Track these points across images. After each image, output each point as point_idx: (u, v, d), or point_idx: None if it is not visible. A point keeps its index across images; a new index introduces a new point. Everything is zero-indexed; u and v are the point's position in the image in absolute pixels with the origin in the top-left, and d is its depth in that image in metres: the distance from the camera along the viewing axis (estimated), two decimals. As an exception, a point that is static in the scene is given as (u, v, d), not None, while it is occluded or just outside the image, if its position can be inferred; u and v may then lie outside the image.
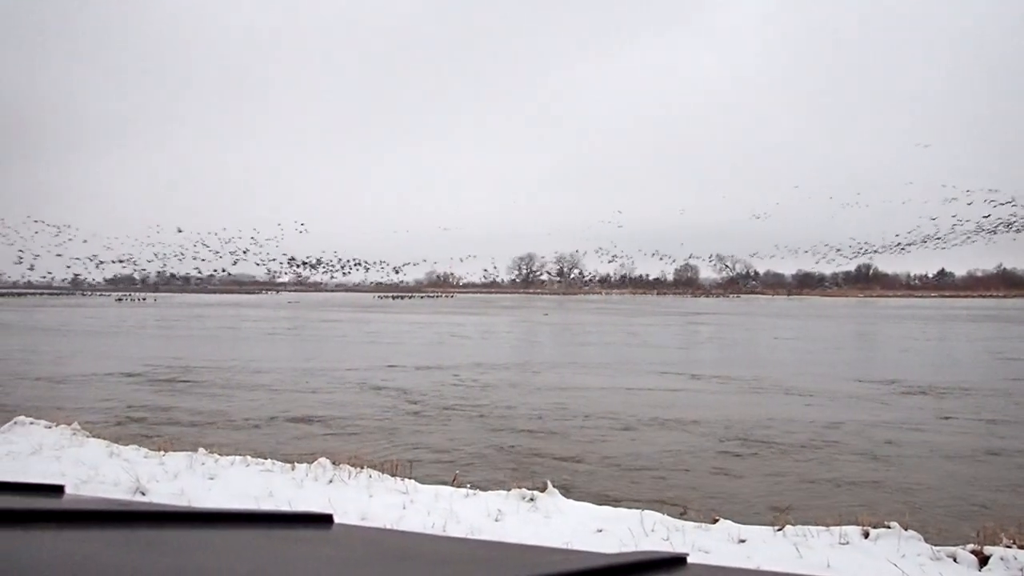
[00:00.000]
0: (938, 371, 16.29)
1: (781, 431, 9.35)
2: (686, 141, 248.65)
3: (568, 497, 5.29)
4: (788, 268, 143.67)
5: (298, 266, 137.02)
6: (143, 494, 5.06)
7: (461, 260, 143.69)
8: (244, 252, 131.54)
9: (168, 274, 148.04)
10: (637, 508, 4.88)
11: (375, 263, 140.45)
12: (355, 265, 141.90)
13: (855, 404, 11.60)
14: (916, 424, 9.94)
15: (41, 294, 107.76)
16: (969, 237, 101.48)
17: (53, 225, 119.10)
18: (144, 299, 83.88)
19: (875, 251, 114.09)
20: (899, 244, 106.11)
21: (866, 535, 4.21)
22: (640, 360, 18.67)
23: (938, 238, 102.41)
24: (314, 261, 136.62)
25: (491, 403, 11.49)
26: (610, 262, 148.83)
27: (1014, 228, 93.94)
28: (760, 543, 4.19)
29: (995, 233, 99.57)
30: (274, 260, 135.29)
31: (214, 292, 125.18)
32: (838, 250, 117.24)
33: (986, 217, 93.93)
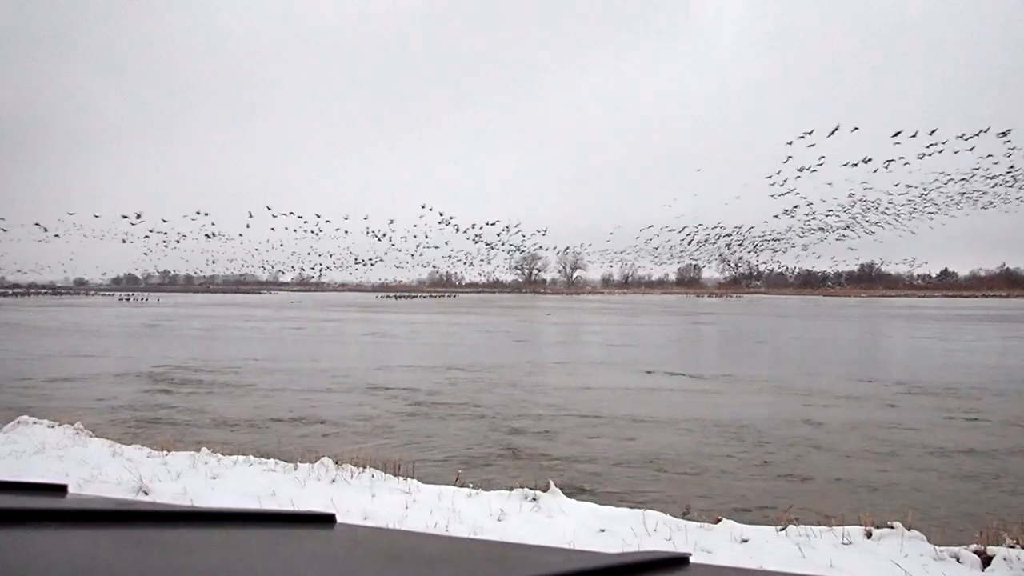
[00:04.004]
0: (948, 372, 16.23)
1: (785, 430, 9.34)
2: (684, 141, 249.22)
3: (571, 497, 5.28)
4: (790, 267, 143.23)
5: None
6: (146, 494, 5.07)
7: (462, 259, 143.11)
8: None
9: (172, 274, 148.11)
10: (639, 508, 4.88)
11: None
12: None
13: (862, 404, 11.58)
14: (921, 424, 9.91)
15: (45, 293, 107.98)
16: (961, 199, 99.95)
17: (58, 225, 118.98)
18: (146, 299, 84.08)
19: (877, 223, 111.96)
20: (911, 203, 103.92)
21: (869, 535, 4.20)
22: (646, 361, 18.64)
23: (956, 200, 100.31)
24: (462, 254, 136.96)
25: (493, 403, 11.49)
26: (611, 263, 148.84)
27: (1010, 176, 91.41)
28: (763, 543, 4.18)
29: (985, 193, 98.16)
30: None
31: (216, 292, 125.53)
32: (847, 223, 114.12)
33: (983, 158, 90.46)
